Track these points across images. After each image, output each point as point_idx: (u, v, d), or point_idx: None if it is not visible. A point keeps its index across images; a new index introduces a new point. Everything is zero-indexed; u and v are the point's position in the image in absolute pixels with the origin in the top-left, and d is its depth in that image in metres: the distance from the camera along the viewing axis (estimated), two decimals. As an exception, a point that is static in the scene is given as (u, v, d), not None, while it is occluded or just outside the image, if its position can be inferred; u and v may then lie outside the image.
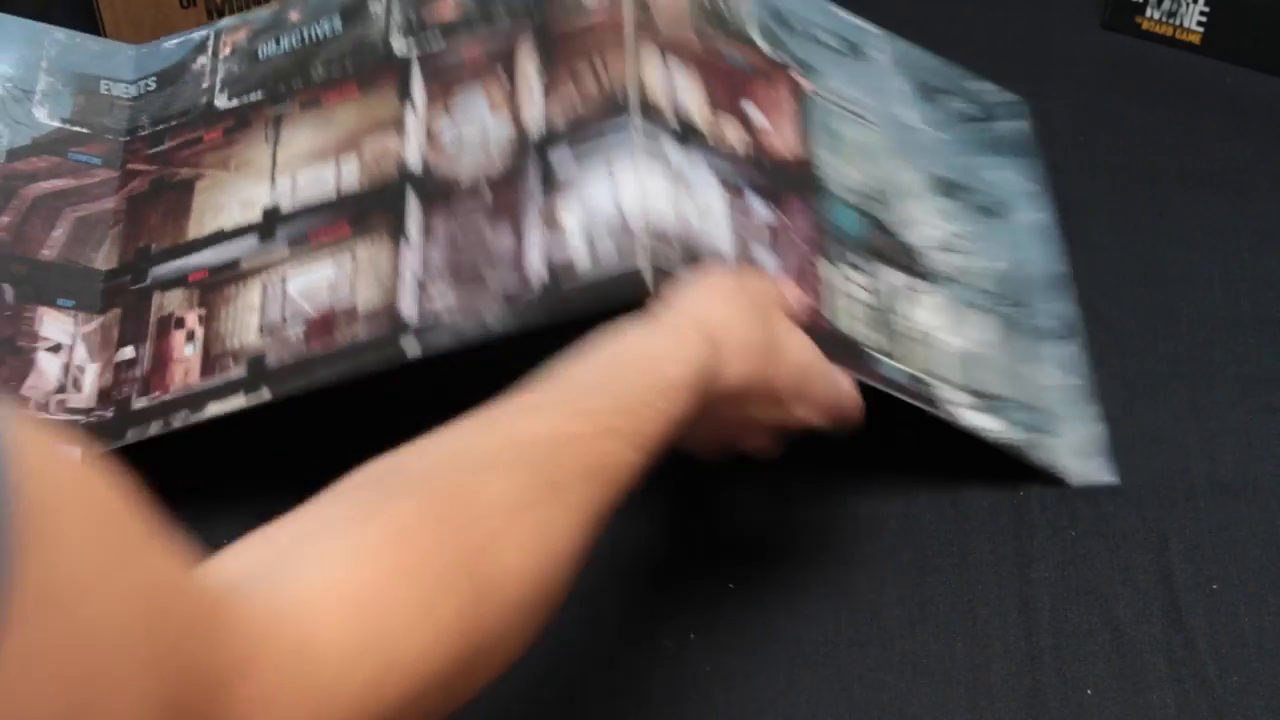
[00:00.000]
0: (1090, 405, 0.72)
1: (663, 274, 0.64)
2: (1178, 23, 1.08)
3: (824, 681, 0.75)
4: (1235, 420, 0.86)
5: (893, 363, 0.69)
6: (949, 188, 0.75)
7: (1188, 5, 1.07)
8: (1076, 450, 0.72)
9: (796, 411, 0.69)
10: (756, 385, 0.66)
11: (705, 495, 0.82)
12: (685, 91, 0.66)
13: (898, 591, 0.78)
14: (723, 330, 0.64)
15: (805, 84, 0.72)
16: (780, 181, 0.69)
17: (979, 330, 0.71)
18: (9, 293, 0.74)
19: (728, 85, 0.70)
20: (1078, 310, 0.74)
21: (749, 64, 0.71)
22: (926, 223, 0.72)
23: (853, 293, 0.69)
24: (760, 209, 0.67)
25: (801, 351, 0.68)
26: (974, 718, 0.73)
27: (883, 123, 0.74)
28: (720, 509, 0.82)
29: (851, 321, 0.69)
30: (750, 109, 0.70)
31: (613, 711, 0.74)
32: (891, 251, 0.71)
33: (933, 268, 0.71)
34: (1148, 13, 1.09)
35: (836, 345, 0.68)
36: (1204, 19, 1.07)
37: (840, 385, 0.70)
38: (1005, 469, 0.83)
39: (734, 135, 0.68)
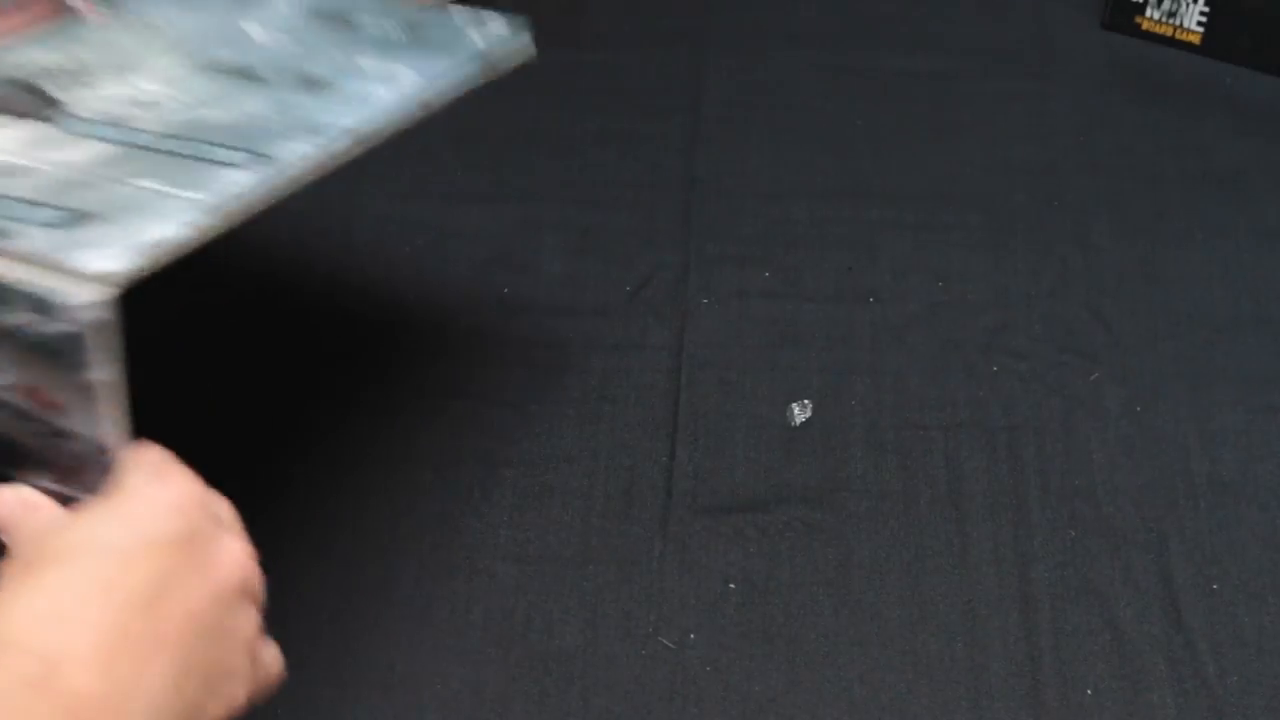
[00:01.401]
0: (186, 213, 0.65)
1: None
2: (1178, 23, 1.08)
3: (824, 681, 0.75)
4: (1235, 420, 0.86)
5: None
6: (228, 69, 0.77)
7: (1187, 5, 1.07)
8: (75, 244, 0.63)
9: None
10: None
11: (702, 494, 0.83)
12: None
13: (898, 591, 0.78)
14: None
15: (86, 8, 0.80)
16: None
17: (76, 154, 0.69)
18: None
19: None
20: (310, 151, 0.69)
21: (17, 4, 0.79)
22: (131, 87, 0.75)
23: None
24: None
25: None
26: (974, 718, 0.73)
27: (185, 32, 0.79)
28: (719, 509, 0.82)
29: None
30: None
31: (613, 711, 0.74)
32: (18, 103, 0.73)
33: (75, 114, 0.72)
34: (1148, 13, 1.09)
35: None
36: (1204, 19, 1.07)
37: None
38: (1003, 468, 0.84)
39: None
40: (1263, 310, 0.92)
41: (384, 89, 0.74)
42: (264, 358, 0.89)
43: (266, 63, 0.77)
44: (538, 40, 1.11)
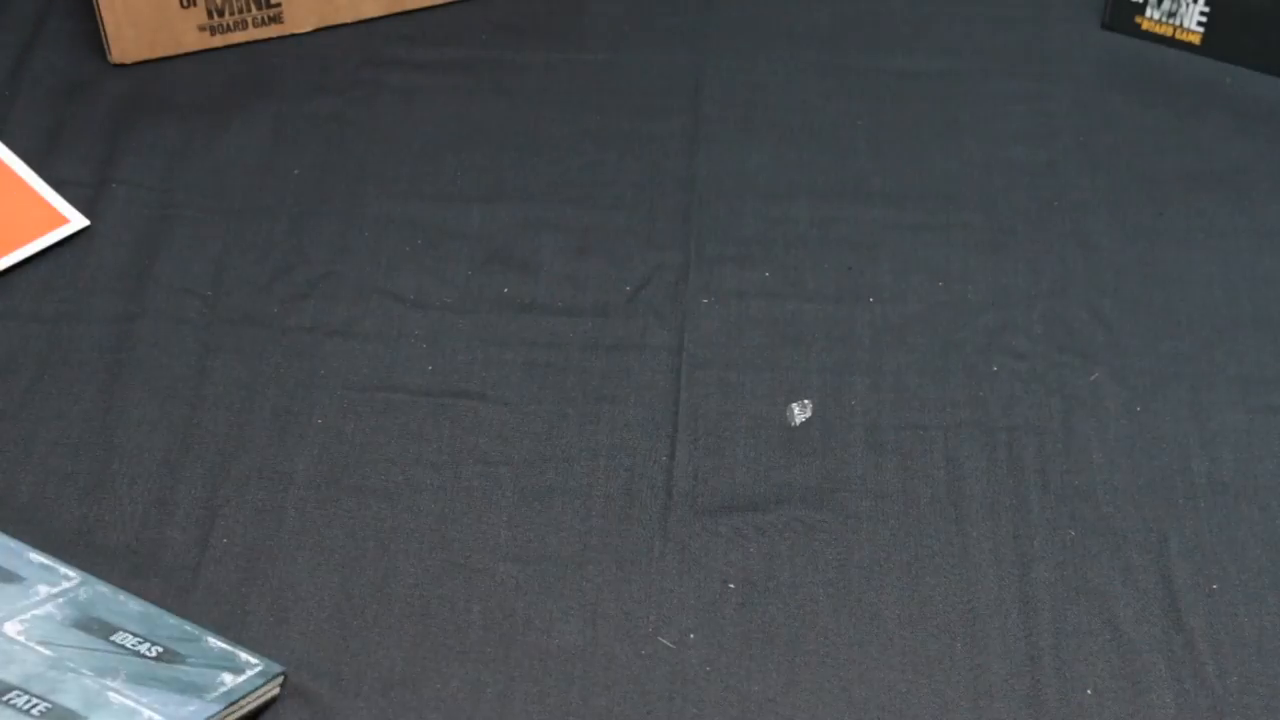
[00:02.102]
0: None
1: None
2: (1178, 23, 1.08)
3: (824, 681, 0.75)
4: (1235, 420, 0.86)
5: None
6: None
7: (1188, 5, 1.07)
8: None
9: None
10: None
11: (702, 494, 0.83)
12: None
13: (898, 591, 0.78)
14: None
15: None
16: None
17: None
18: None
19: None
20: None
21: None
22: None
23: None
24: None
25: None
26: (974, 718, 0.73)
27: None
28: (719, 509, 0.82)
29: None
30: None
31: (613, 711, 0.74)
32: None
33: None
34: (1148, 13, 1.09)
35: None
36: (1204, 19, 1.07)
37: None
38: (1003, 468, 0.84)
39: None
40: (1263, 310, 0.92)
41: None
42: (262, 358, 0.89)
43: (22, 678, 0.73)
44: (537, 40, 1.11)
